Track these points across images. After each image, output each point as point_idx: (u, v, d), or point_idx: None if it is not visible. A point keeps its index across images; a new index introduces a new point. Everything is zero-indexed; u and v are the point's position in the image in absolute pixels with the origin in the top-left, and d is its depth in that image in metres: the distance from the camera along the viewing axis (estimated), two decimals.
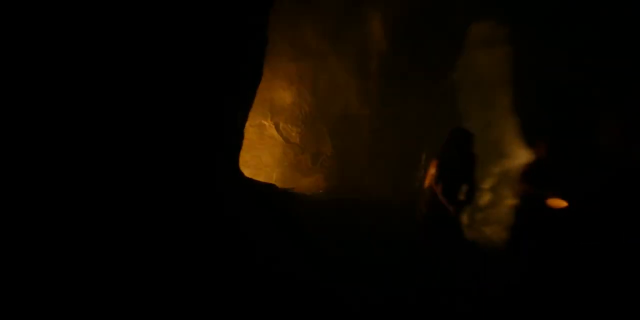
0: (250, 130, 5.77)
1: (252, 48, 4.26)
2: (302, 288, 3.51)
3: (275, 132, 5.73)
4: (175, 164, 3.12)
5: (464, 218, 8.75)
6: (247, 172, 5.61)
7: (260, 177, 5.57)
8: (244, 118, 4.50)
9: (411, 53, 5.91)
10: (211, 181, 3.58)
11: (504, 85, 8.22)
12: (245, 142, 5.66)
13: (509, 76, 7.88)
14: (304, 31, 5.67)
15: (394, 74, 5.86)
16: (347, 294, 3.49)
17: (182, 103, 3.19)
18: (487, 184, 9.20)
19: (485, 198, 9.09)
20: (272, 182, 5.62)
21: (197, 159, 3.39)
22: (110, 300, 2.39)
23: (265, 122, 5.71)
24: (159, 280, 2.66)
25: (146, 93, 2.82)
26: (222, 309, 2.90)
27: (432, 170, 4.57)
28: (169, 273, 2.76)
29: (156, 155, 2.99)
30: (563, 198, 5.06)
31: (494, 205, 9.15)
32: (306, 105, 5.75)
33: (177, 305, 2.66)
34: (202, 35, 3.27)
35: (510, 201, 9.58)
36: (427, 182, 4.55)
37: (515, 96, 7.79)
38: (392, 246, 4.96)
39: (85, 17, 2.47)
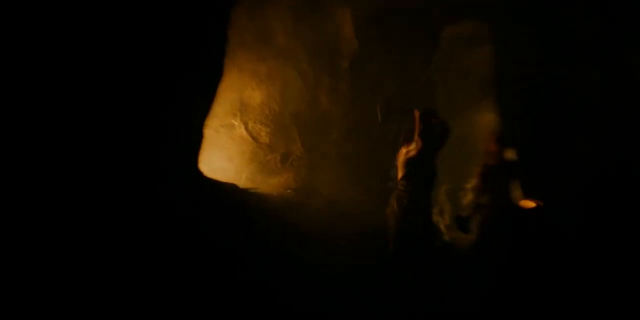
0: (219, 130, 5.78)
1: (210, 45, 4.24)
2: (249, 290, 3.47)
3: (244, 132, 5.71)
4: (117, 162, 3.09)
5: (447, 218, 8.72)
6: (217, 171, 5.62)
7: (230, 177, 5.55)
8: (203, 116, 4.47)
9: (383, 52, 5.88)
10: (161, 180, 3.56)
11: (488, 85, 8.16)
12: (215, 142, 5.73)
13: (493, 76, 7.83)
14: (274, 30, 5.65)
15: (366, 73, 5.83)
16: (303, 303, 3.44)
17: (131, 101, 3.17)
18: (470, 184, 9.15)
19: (467, 198, 9.04)
20: (241, 181, 5.62)
21: (143, 157, 3.37)
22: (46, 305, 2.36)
23: (235, 122, 5.69)
24: (101, 283, 2.62)
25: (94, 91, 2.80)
26: (172, 310, 2.89)
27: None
28: (111, 275, 2.74)
29: (95, 154, 2.96)
30: (533, 198, 5.06)
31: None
32: (275, 105, 5.73)
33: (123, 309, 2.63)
34: (153, 30, 3.25)
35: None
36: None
37: (498, 96, 7.74)
38: (360, 249, 4.94)
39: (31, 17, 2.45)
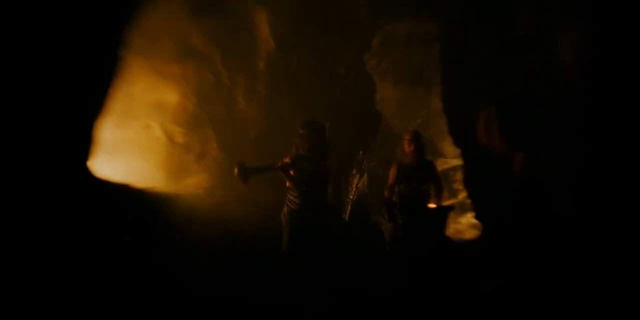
0: (138, 131, 5.86)
1: (103, 47, 4.31)
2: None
3: (160, 133, 5.78)
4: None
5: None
6: (135, 171, 5.71)
7: (147, 177, 5.64)
8: (95, 117, 4.53)
9: (303, 52, 5.88)
10: (46, 181, 3.64)
11: (435, 84, 8.09)
12: (134, 143, 5.82)
13: (438, 75, 7.73)
14: (188, 31, 5.69)
15: (283, 74, 5.83)
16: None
17: (14, 101, 3.24)
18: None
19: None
20: (156, 182, 5.70)
21: (28, 157, 3.44)
22: None
23: (151, 123, 5.76)
24: None
25: None
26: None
27: None
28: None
29: None
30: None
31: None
32: (191, 106, 5.78)
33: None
34: (39, 29, 3.33)
35: (448, 201, 9.46)
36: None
37: (444, 95, 7.65)
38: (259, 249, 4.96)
39: None
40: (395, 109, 9.09)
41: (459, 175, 8.93)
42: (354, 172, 7.20)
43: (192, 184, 5.70)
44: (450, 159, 8.96)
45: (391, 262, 4.90)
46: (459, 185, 9.06)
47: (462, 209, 9.16)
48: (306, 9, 5.89)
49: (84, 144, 4.41)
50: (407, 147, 4.98)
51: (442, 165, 9.10)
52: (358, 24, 6.23)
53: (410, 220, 4.81)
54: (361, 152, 7.18)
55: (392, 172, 5.13)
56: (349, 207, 7.10)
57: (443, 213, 4.85)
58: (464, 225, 8.89)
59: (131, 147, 5.69)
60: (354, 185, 7.27)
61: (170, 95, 5.76)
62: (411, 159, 4.97)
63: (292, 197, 4.44)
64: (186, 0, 5.51)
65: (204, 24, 5.66)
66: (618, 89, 4.74)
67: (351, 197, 7.21)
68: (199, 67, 5.75)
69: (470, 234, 8.44)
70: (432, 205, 4.76)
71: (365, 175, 7.67)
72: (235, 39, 5.79)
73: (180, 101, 5.76)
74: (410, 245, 4.72)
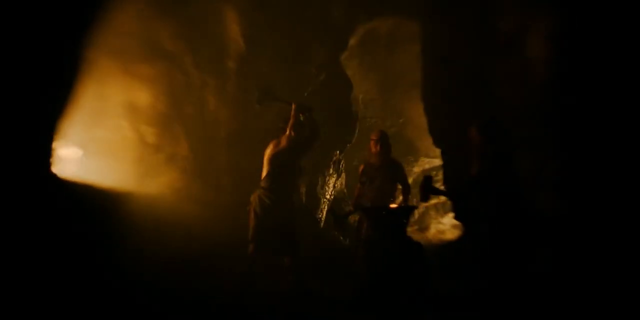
0: (106, 131, 5.88)
1: (63, 48, 4.32)
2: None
3: (131, 133, 5.80)
4: None
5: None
6: (102, 171, 5.72)
7: (117, 177, 5.65)
8: (57, 116, 4.55)
9: (273, 52, 5.88)
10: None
11: (416, 84, 8.04)
12: (101, 142, 5.83)
13: (420, 74, 7.70)
14: (158, 32, 5.70)
15: (254, 74, 5.83)
16: None
17: None
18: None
19: (400, 198, 8.90)
20: (125, 181, 5.71)
21: None
22: None
23: (121, 123, 5.78)
24: None
25: None
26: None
27: None
28: None
29: None
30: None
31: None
32: (162, 106, 5.79)
33: None
34: None
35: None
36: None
37: (425, 95, 7.62)
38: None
39: None
40: (378, 108, 9.08)
41: (441, 175, 8.92)
42: (330, 172, 7.19)
43: (162, 184, 5.72)
44: (431, 159, 8.93)
45: (354, 262, 4.90)
46: (440, 185, 9.04)
47: (444, 210, 9.14)
48: (277, 9, 5.89)
49: (46, 143, 4.44)
50: (374, 147, 5.01)
51: (423, 165, 9.09)
52: (330, 23, 6.22)
53: (372, 220, 4.81)
54: (338, 151, 7.17)
55: (359, 172, 5.17)
56: (325, 207, 7.10)
57: (404, 213, 4.84)
58: (446, 225, 8.87)
59: (101, 147, 5.71)
60: (330, 185, 7.27)
61: (141, 96, 5.77)
62: (377, 159, 4.99)
63: (265, 192, 4.45)
64: (155, 0, 5.53)
65: (173, 24, 5.67)
66: (591, 86, 4.73)
67: (328, 196, 7.21)
68: (169, 68, 5.77)
69: (452, 234, 8.42)
70: (393, 205, 4.76)
71: (343, 175, 7.67)
72: (205, 39, 5.80)
73: (150, 101, 5.77)
74: (372, 244, 4.71)
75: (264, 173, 4.51)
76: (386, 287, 4.43)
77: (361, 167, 5.19)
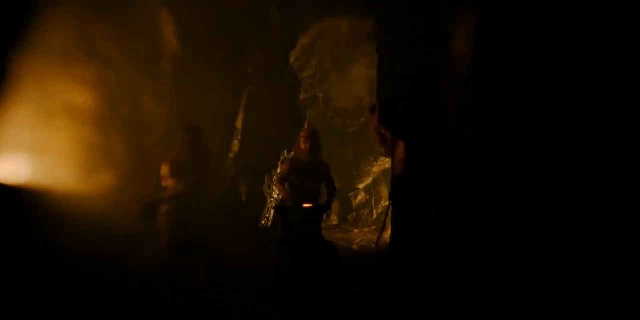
0: (43, 132, 5.98)
1: None
2: None
3: (68, 134, 5.89)
4: None
5: (334, 219, 8.63)
6: (38, 172, 5.82)
7: (51, 177, 5.75)
8: None
9: (209, 53, 5.93)
10: None
11: (370, 83, 8.01)
12: (38, 143, 5.93)
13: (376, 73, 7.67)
14: (93, 33, 5.79)
15: (191, 75, 5.90)
16: None
17: None
18: (361, 184, 9.03)
19: (358, 198, 8.93)
20: (62, 182, 5.81)
21: None
22: None
23: (59, 124, 5.87)
24: None
25: None
26: None
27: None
28: None
29: None
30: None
31: (367, 206, 8.97)
32: (98, 107, 5.88)
33: None
34: None
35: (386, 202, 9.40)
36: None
37: (380, 92, 7.60)
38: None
39: None
40: (339, 108, 9.07)
41: None
42: (278, 171, 7.22)
43: (99, 184, 5.80)
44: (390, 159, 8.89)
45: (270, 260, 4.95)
46: None
47: None
48: (212, 9, 5.94)
49: None
50: (303, 144, 5.08)
51: (383, 164, 9.07)
52: (270, 23, 6.25)
53: (285, 219, 4.86)
54: (285, 151, 7.20)
55: (284, 167, 5.21)
56: (272, 205, 7.15)
57: (317, 213, 4.87)
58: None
59: (38, 148, 5.81)
60: None
61: (78, 96, 5.86)
62: (306, 156, 5.04)
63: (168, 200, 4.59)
64: (89, 1, 5.62)
65: (108, 25, 5.76)
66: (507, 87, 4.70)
67: (275, 196, 7.25)
68: (104, 69, 5.85)
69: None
70: (307, 205, 4.80)
71: None
72: (140, 41, 5.88)
73: (87, 102, 5.86)
74: (284, 244, 4.76)
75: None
76: (293, 287, 4.48)
77: (286, 163, 5.25)
